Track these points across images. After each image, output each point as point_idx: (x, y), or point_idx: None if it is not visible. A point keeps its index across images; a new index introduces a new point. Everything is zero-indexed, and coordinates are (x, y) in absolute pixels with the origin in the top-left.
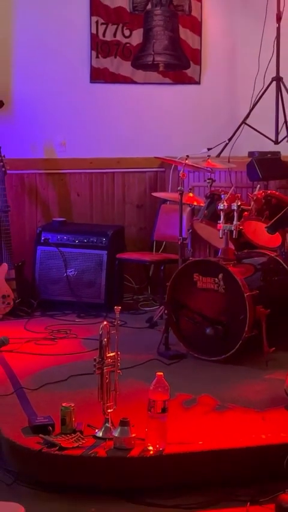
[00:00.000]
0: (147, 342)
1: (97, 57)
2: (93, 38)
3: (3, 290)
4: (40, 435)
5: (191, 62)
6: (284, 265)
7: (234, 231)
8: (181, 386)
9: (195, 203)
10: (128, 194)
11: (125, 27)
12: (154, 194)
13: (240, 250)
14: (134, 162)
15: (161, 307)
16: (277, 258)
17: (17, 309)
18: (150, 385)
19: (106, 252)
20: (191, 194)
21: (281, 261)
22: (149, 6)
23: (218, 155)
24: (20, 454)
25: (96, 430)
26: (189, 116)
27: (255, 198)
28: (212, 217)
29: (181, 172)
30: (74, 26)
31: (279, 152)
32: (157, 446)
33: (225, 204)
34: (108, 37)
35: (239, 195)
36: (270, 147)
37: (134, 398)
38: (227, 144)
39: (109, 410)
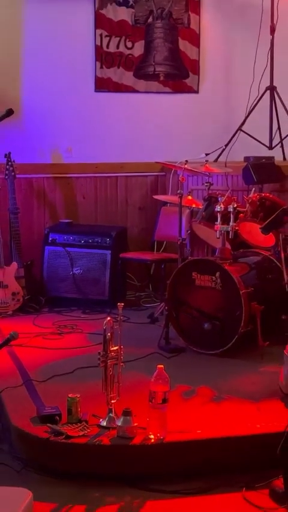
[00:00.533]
0: (148, 336)
1: (101, 67)
2: (98, 49)
3: (13, 288)
4: (48, 424)
5: (189, 72)
6: (277, 263)
7: (231, 231)
8: (180, 378)
9: (193, 205)
10: (130, 197)
11: (127, 40)
12: (155, 197)
13: (236, 249)
14: (136, 166)
15: (161, 304)
16: (271, 257)
17: (26, 305)
18: (151, 377)
19: (110, 251)
20: (189, 197)
21: (275, 260)
22: (150, 20)
23: (216, 160)
24: (28, 442)
25: (101, 420)
26: (188, 123)
27: (250, 200)
28: (210, 219)
29: (180, 176)
30: (80, 38)
31: (273, 157)
32: (158, 435)
33: (222, 206)
34: (112, 49)
35: (235, 197)
36: (265, 152)
37: (136, 389)
38: (223, 149)
39: (112, 401)
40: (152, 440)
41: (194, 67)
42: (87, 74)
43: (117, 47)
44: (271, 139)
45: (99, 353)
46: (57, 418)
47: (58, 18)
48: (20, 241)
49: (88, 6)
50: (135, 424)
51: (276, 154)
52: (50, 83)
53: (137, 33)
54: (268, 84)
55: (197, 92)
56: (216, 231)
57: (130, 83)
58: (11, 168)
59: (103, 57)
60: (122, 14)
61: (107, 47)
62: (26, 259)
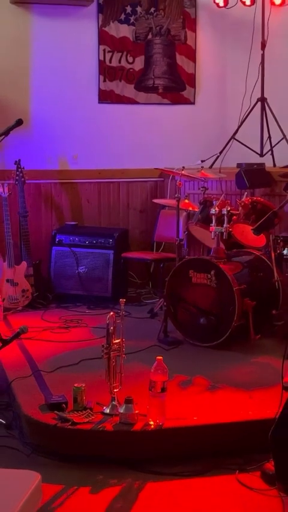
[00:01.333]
0: (148, 330)
1: (104, 80)
2: (101, 64)
3: (23, 285)
4: (55, 412)
5: (186, 85)
6: (268, 262)
7: (225, 232)
8: (178, 369)
9: (190, 208)
10: (131, 201)
11: (128, 55)
12: (154, 201)
13: (229, 249)
14: (136, 172)
15: (160, 300)
16: (262, 256)
17: (35, 301)
18: (151, 367)
19: (112, 251)
20: (186, 200)
21: (265, 259)
22: (149, 36)
23: (210, 166)
24: (37, 428)
25: (104, 407)
26: (185, 132)
27: (242, 204)
28: (205, 221)
29: (178, 181)
30: (84, 53)
31: (263, 164)
32: (157, 421)
33: (216, 209)
34: (114, 63)
35: (229, 201)
36: (256, 159)
37: (137, 379)
38: (218, 156)
39: (115, 390)
40: (152, 426)
41: (191, 80)
42: (91, 86)
43: (119, 61)
44: (262, 147)
45: (102, 345)
46: (64, 405)
47: (64, 34)
48: (29, 242)
49: (92, 23)
50: (136, 411)
51: (267, 161)
52: (57, 95)
53: (138, 49)
54: (259, 96)
55: (193, 103)
56: (211, 232)
57: (131, 95)
58: (21, 174)
59: (106, 71)
60: (124, 31)
61: (110, 61)
62: (35, 258)
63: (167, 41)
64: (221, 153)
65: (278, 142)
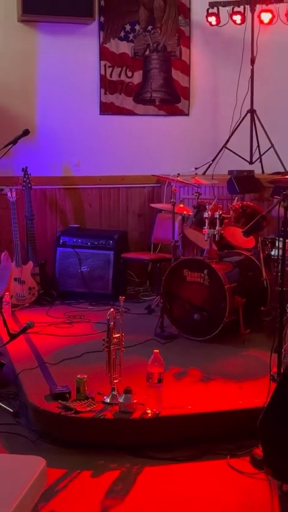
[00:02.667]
0: (146, 325)
1: (105, 93)
2: (102, 78)
3: (29, 283)
4: (59, 401)
5: (181, 98)
6: (257, 262)
7: (217, 235)
8: (174, 361)
9: (185, 212)
10: (130, 205)
11: (127, 70)
12: (152, 205)
13: (221, 250)
14: (135, 179)
15: (157, 297)
16: (251, 257)
17: (41, 298)
18: (148, 360)
19: (113, 252)
20: (181, 205)
21: (255, 259)
22: (147, 52)
23: (204, 173)
24: (42, 417)
25: (105, 397)
26: (180, 141)
27: (233, 208)
28: (199, 224)
29: (173, 187)
30: (87, 68)
31: (253, 171)
32: (154, 410)
33: (209, 213)
34: (114, 77)
35: (221, 205)
36: (246, 166)
37: (135, 371)
38: (210, 164)
39: (115, 381)
40: (149, 415)
41: (185, 93)
42: (93, 99)
43: (119, 76)
44: (251, 155)
45: (103, 339)
46: (67, 395)
47: (68, 50)
48: (35, 243)
49: (94, 40)
50: (135, 401)
51: (256, 169)
52: (61, 107)
53: (136, 64)
54: (249, 107)
55: (187, 114)
56: (204, 234)
57: (130, 107)
58: (28, 180)
59: (107, 84)
60: (123, 47)
61: (110, 76)
62: (41, 258)
63: (164, 56)
64: (213, 161)
65: (266, 151)
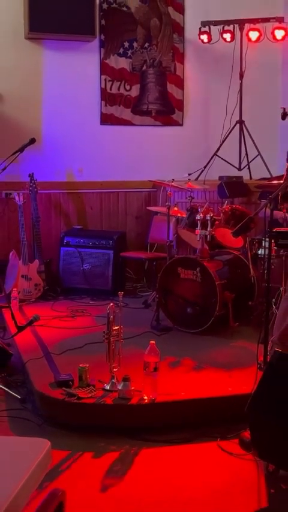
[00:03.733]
0: (143, 318)
1: (105, 105)
2: (103, 91)
3: (35, 280)
4: (63, 388)
5: (175, 109)
6: (245, 261)
7: (208, 235)
8: (168, 352)
9: (179, 215)
10: (128, 208)
11: (126, 83)
12: (148, 208)
13: (212, 250)
14: (133, 184)
15: (153, 293)
16: (240, 255)
17: (46, 294)
18: (145, 350)
19: (112, 251)
20: (175, 208)
21: (243, 258)
22: (144, 68)
23: (196, 179)
24: (47, 402)
25: (105, 384)
26: (174, 150)
27: (223, 211)
28: (192, 225)
29: (168, 191)
30: (88, 82)
31: (241, 177)
32: (151, 396)
33: (201, 215)
34: (114, 90)
35: (212, 208)
36: (235, 172)
37: (133, 360)
38: (202, 170)
39: (114, 370)
40: (146, 401)
41: (179, 105)
42: (94, 110)
43: (118, 89)
44: (240, 163)
45: (103, 332)
46: (71, 383)
47: (71, 66)
48: (41, 243)
49: (95, 56)
50: (133, 388)
51: (244, 174)
52: (65, 118)
53: (134, 78)
54: (238, 118)
55: (181, 125)
56: (197, 235)
57: (128, 117)
58: (34, 185)
59: (107, 97)
60: (122, 63)
61: (110, 89)
62: (46, 257)
63: (159, 71)
64: (205, 167)
65: (254, 158)
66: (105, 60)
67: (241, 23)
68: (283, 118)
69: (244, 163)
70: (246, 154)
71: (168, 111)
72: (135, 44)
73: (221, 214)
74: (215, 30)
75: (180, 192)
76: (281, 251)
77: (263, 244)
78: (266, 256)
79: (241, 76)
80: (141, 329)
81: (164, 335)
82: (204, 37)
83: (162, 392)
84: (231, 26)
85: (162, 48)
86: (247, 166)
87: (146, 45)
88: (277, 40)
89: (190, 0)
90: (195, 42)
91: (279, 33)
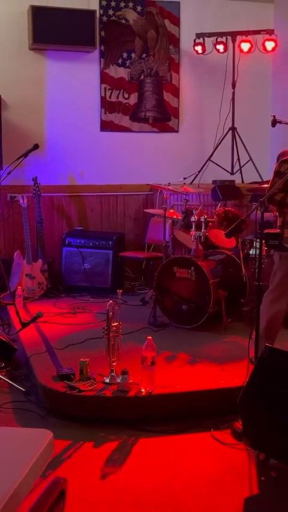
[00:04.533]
0: (140, 315)
1: (105, 113)
2: (102, 99)
3: (39, 278)
4: (65, 381)
5: (171, 116)
6: (237, 260)
7: (202, 236)
8: (164, 346)
9: (174, 217)
10: (127, 210)
11: (125, 92)
12: (146, 210)
13: (206, 250)
14: (131, 187)
15: (150, 290)
16: (232, 255)
17: (49, 292)
18: (142, 345)
19: (112, 251)
20: (171, 210)
21: (235, 258)
22: (141, 77)
23: (191, 182)
24: (50, 395)
25: (105, 378)
26: (171, 155)
27: (217, 213)
28: (187, 227)
29: (165, 194)
30: (89, 90)
31: (234, 180)
32: (148, 389)
33: (196, 217)
34: (113, 99)
35: (206, 211)
36: (228, 177)
37: (131, 355)
38: (197, 174)
39: (113, 364)
40: (143, 393)
41: (175, 113)
42: (94, 117)
43: (117, 97)
44: (232, 167)
45: (103, 327)
46: (72, 376)
47: (73, 75)
48: (44, 243)
49: (95, 66)
50: (131, 381)
51: (237, 179)
52: (67, 124)
53: (132, 87)
54: (230, 125)
55: (177, 131)
56: (191, 236)
57: (127, 124)
58: (37, 189)
59: (106, 105)
60: (121, 72)
61: (110, 97)
62: (49, 257)
63: (156, 81)
64: (199, 172)
65: (246, 163)
66: (105, 70)
67: (233, 35)
68: (273, 125)
69: (236, 168)
70: (238, 159)
71: (164, 119)
72: (133, 55)
73: (215, 216)
74: (208, 41)
75: (176, 195)
76: (271, 251)
77: (254, 245)
78: (257, 256)
79: (233, 85)
80: (139, 325)
81: (161, 331)
82: (199, 48)
83: (159, 385)
84: (224, 37)
85: (158, 58)
86: (239, 171)
87: (144, 55)
88: (267, 51)
89: (185, 13)
90: (190, 53)
91: (270, 45)
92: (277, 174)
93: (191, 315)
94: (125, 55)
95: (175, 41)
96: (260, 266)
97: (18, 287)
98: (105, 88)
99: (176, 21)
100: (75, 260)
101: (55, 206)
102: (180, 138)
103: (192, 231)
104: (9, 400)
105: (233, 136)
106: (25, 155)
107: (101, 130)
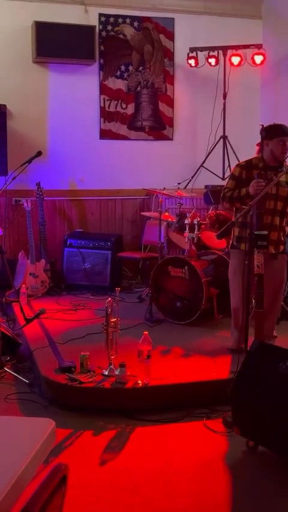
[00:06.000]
0: (137, 311)
1: (104, 122)
2: (102, 109)
3: (42, 277)
4: (66, 373)
5: (166, 125)
6: (228, 260)
7: (195, 238)
8: (160, 341)
9: (169, 219)
10: (125, 213)
11: (122, 102)
12: (142, 213)
13: (199, 250)
14: (129, 192)
15: (146, 288)
16: (223, 255)
17: (51, 290)
18: (139, 340)
19: (110, 252)
20: (166, 213)
21: (226, 257)
22: (138, 88)
23: (185, 187)
24: (53, 386)
25: (104, 370)
26: (165, 161)
27: (209, 216)
28: (181, 229)
29: (160, 198)
30: (89, 101)
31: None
32: (144, 380)
33: (189, 220)
34: (112, 109)
35: (199, 214)
36: (219, 182)
37: (128, 349)
38: (190, 180)
39: (112, 357)
40: (140, 385)
41: (170, 122)
42: (94, 126)
43: (116, 107)
44: (223, 173)
45: (102, 323)
46: (73, 369)
47: (74, 86)
48: (47, 244)
49: (95, 78)
50: (128, 373)
51: None
52: (68, 133)
53: (129, 98)
54: (221, 134)
55: (171, 139)
56: (185, 237)
57: (125, 133)
58: (40, 193)
59: (105, 114)
60: (119, 84)
61: (108, 107)
62: (51, 257)
63: (152, 92)
64: (192, 177)
65: None
66: (104, 82)
67: (224, 49)
68: (261, 133)
69: (227, 173)
70: (229, 165)
71: (160, 127)
72: (130, 68)
73: (207, 219)
74: (201, 55)
75: (171, 199)
76: (259, 251)
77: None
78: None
79: (224, 96)
80: (136, 321)
81: (156, 326)
82: (192, 61)
83: (155, 377)
84: (216, 51)
85: (154, 71)
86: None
87: (140, 68)
88: (256, 64)
89: (179, 28)
90: (183, 66)
91: (258, 58)
92: (232, 176)
93: (185, 312)
94: (122, 68)
95: (170, 54)
96: (250, 265)
97: (23, 285)
98: (104, 99)
99: (171, 36)
100: (76, 260)
101: (57, 209)
102: (175, 146)
103: (186, 233)
104: (14, 391)
105: (224, 144)
106: (29, 161)
107: (100, 139)
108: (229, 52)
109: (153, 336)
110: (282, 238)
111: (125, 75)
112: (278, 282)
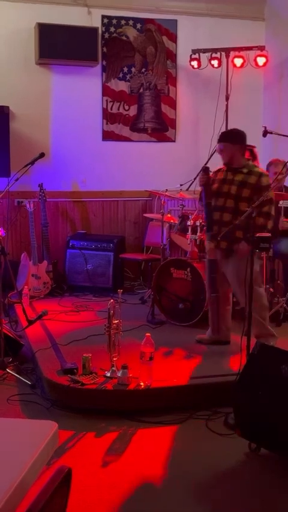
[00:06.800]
0: (139, 313)
1: (107, 123)
2: (104, 111)
3: (44, 278)
4: (68, 375)
5: (169, 127)
6: None
7: (198, 239)
8: (162, 342)
9: (171, 221)
10: (127, 215)
11: (125, 104)
12: (145, 215)
13: (201, 252)
14: (131, 193)
15: (149, 290)
16: None
17: (53, 291)
18: (141, 341)
19: (113, 253)
20: (169, 215)
21: None
22: (141, 90)
23: (187, 189)
24: (55, 388)
25: (106, 372)
26: (168, 163)
27: None
28: (183, 230)
29: (162, 200)
30: (91, 102)
31: None
32: (146, 382)
33: (191, 221)
34: (114, 110)
35: (201, 215)
36: None
37: (131, 350)
38: (192, 181)
39: (114, 359)
40: (142, 386)
41: (172, 123)
42: (96, 128)
43: (118, 109)
44: None
45: (104, 325)
46: (75, 370)
47: (76, 88)
48: (49, 245)
49: (97, 80)
50: (130, 375)
51: None
52: (71, 134)
53: (132, 99)
54: None
55: (174, 141)
56: (187, 239)
57: (127, 134)
58: (43, 194)
59: (108, 116)
60: (122, 86)
61: (111, 109)
62: (53, 258)
63: (154, 93)
64: (195, 179)
65: None
66: (107, 83)
67: (227, 51)
68: (264, 135)
69: None
70: None
71: (162, 129)
72: (133, 69)
73: None
74: (204, 57)
75: (173, 201)
76: (262, 253)
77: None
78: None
79: (227, 98)
80: (138, 322)
81: (159, 328)
82: (195, 63)
83: (157, 378)
84: (219, 53)
85: (157, 73)
86: None
87: (143, 70)
88: (259, 66)
89: (182, 30)
90: (186, 68)
91: (261, 60)
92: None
93: (187, 313)
94: (125, 69)
95: (172, 56)
96: (252, 267)
97: (25, 286)
98: (106, 100)
99: (173, 38)
100: (78, 261)
101: (59, 211)
102: (177, 147)
103: (188, 235)
104: (17, 392)
105: None
106: (32, 163)
107: (102, 140)
108: (232, 54)
109: (156, 338)
110: (239, 236)
111: (128, 76)
112: (231, 283)
